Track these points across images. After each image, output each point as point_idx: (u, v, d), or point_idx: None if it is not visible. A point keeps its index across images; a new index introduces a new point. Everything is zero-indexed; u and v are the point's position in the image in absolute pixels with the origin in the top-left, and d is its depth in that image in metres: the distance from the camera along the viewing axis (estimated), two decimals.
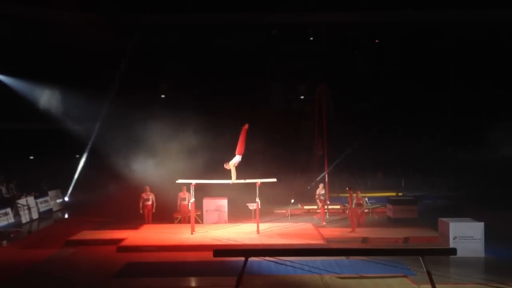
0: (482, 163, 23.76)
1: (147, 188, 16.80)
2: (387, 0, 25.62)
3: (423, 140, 26.19)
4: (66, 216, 20.77)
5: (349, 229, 15.49)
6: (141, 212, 16.60)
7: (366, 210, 15.78)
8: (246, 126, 14.56)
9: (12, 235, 16.05)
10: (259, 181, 15.21)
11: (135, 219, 16.99)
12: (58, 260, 12.89)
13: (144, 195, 16.64)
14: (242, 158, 14.64)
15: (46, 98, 23.80)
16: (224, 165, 14.63)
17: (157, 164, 21.25)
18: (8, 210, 18.25)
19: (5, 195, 19.72)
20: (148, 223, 16.59)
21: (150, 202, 16.61)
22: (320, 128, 20.70)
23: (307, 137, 24.12)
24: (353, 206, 15.91)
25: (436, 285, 7.40)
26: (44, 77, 23.10)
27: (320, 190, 17.64)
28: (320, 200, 17.58)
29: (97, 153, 22.85)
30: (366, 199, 17.03)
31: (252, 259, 8.78)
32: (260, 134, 25.21)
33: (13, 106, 23.44)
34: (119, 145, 22.07)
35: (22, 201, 19.18)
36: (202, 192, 17.76)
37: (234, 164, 14.49)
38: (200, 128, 23.82)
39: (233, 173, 14.54)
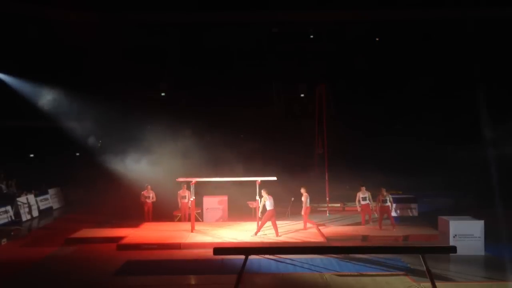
0: (482, 161, 23.71)
1: (148, 186, 16.83)
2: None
3: (423, 139, 26.14)
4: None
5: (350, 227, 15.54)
6: (145, 210, 16.62)
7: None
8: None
9: (12, 233, 16.06)
10: (259, 179, 15.21)
11: (135, 217, 17.00)
12: (58, 258, 12.90)
13: (144, 193, 16.68)
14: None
15: (46, 96, 23.77)
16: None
17: (156, 163, 21.24)
18: (8, 208, 18.25)
19: (4, 191, 19.71)
20: (149, 220, 16.61)
21: (150, 200, 16.65)
22: (320, 127, 20.70)
23: (307, 136, 24.09)
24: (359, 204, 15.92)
25: (436, 283, 7.38)
26: (44, 75, 23.06)
27: (362, 193, 16.03)
28: (361, 205, 16.01)
29: (95, 151, 22.81)
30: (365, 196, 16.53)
31: (252, 257, 8.76)
32: (260, 132, 25.24)
33: (13, 104, 23.42)
34: (119, 144, 22.03)
35: (22, 199, 19.21)
36: (202, 190, 17.77)
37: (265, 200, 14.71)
38: (200, 127, 23.87)
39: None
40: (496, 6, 24.60)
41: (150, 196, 16.66)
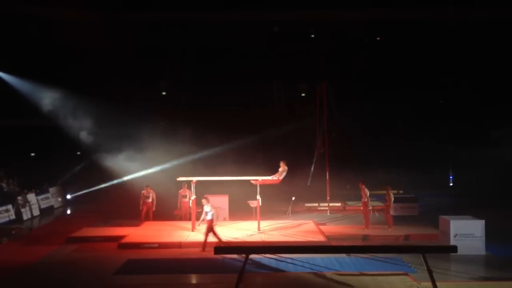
0: (483, 160, 23.73)
1: (147, 186, 16.76)
2: None
3: (424, 138, 26.16)
4: (68, 212, 20.87)
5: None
6: (140, 209, 16.56)
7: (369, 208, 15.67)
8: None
9: (13, 232, 16.06)
10: (260, 178, 15.21)
11: (136, 217, 16.98)
12: (59, 256, 12.89)
13: (144, 193, 16.61)
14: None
15: (47, 95, 23.77)
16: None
17: (157, 162, 21.25)
18: (9, 206, 18.26)
19: (5, 190, 19.73)
20: (149, 220, 16.54)
21: (150, 200, 16.57)
22: (321, 126, 20.69)
23: (308, 135, 24.07)
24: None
25: (437, 283, 7.41)
26: (45, 74, 23.06)
27: (362, 191, 15.69)
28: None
29: (95, 151, 22.80)
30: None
31: (253, 256, 8.79)
32: (261, 132, 25.24)
33: (14, 103, 23.43)
34: (119, 143, 22.02)
35: (23, 197, 19.18)
36: (202, 189, 17.75)
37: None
38: (200, 126, 23.87)
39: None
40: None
41: (149, 196, 16.58)
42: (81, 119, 23.77)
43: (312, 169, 21.32)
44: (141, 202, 16.58)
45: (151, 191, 16.68)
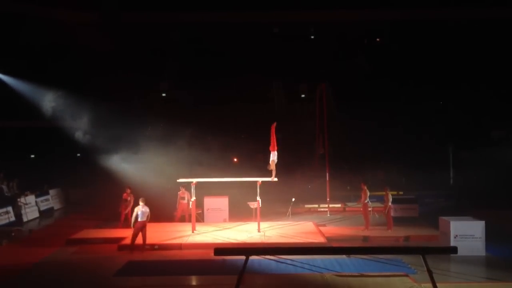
0: (483, 161, 23.72)
1: (128, 188, 16.56)
2: None
3: (424, 138, 26.14)
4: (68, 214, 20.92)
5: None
6: (125, 212, 16.22)
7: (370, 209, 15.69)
8: (274, 124, 14.67)
9: (13, 234, 16.06)
10: (260, 180, 15.21)
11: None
12: (59, 258, 12.89)
13: (125, 195, 16.38)
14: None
15: (46, 97, 23.76)
16: (267, 167, 14.62)
17: (157, 164, 21.20)
18: (9, 208, 18.24)
19: (6, 194, 19.71)
20: (121, 222, 16.29)
21: (127, 203, 16.26)
22: (321, 127, 20.70)
23: (308, 136, 24.07)
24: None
25: (437, 284, 7.38)
26: (43, 75, 23.05)
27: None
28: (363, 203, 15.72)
29: (95, 152, 22.77)
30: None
31: (253, 257, 8.76)
32: (261, 133, 25.21)
33: (14, 105, 23.42)
34: (118, 145, 21.99)
35: (23, 199, 19.16)
36: (203, 191, 17.76)
37: (274, 161, 14.45)
38: (200, 127, 23.85)
39: (273, 171, 14.54)
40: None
41: (127, 199, 16.33)
42: (80, 120, 23.76)
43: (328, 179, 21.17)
44: (122, 205, 16.36)
45: (131, 194, 16.33)
